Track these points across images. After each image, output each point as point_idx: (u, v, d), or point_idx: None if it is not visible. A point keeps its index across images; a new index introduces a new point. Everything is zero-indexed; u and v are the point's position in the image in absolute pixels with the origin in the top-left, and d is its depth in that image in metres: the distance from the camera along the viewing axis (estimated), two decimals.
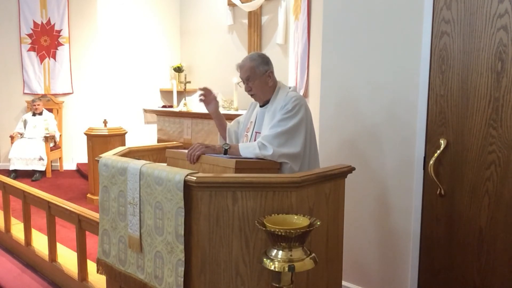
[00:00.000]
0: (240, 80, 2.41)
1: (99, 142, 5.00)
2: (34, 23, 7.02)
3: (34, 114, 6.69)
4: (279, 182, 1.80)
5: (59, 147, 7.01)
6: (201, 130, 5.87)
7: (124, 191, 2.07)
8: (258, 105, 2.51)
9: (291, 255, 1.61)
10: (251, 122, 2.51)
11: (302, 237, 1.61)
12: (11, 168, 6.33)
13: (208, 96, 2.54)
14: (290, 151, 2.18)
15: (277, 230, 1.58)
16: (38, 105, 6.64)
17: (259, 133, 2.39)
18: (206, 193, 1.79)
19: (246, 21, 6.56)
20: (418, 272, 2.56)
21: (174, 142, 3.39)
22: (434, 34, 2.39)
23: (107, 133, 5.05)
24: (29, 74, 7.06)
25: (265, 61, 2.36)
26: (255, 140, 2.39)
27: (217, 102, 2.59)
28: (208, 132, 5.77)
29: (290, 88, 2.43)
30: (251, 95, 2.42)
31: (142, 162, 2.03)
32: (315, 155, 2.41)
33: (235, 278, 1.82)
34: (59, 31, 7.05)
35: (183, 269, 1.81)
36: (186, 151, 2.24)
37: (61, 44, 7.08)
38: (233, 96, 5.98)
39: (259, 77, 2.34)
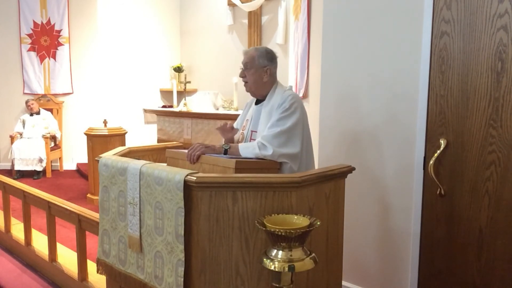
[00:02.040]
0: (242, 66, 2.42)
1: (99, 142, 5.00)
2: (34, 23, 7.02)
3: (31, 114, 6.71)
4: (279, 182, 1.80)
5: (59, 147, 7.01)
6: (201, 130, 5.87)
7: (124, 191, 2.07)
8: (253, 103, 2.52)
9: (291, 255, 1.61)
10: (247, 120, 2.51)
11: (302, 237, 1.61)
12: (16, 168, 6.35)
13: (226, 130, 2.49)
14: (290, 151, 2.18)
15: (277, 230, 1.58)
16: (32, 104, 6.67)
17: (255, 131, 2.39)
18: (206, 193, 1.78)
19: (246, 21, 6.56)
20: (418, 272, 2.56)
21: (174, 142, 3.39)
22: (434, 34, 2.39)
23: (107, 133, 5.05)
24: (29, 74, 7.06)
25: (269, 57, 2.37)
26: (251, 138, 2.39)
27: (234, 132, 2.52)
28: (208, 132, 5.77)
29: (287, 87, 2.43)
30: (244, 83, 2.42)
31: (142, 162, 2.03)
32: (311, 155, 2.41)
33: (235, 278, 1.82)
34: (59, 31, 7.06)
35: (183, 269, 1.81)
36: (186, 151, 2.24)
37: (61, 44, 7.08)
38: (233, 96, 5.99)
39: (256, 68, 2.34)
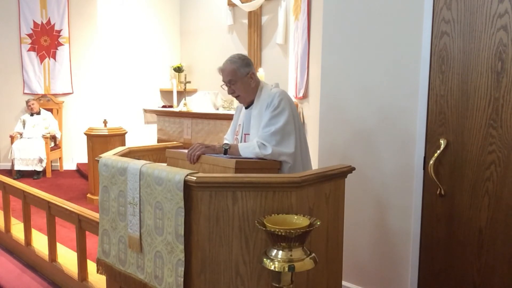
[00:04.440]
0: (223, 83, 2.41)
1: (99, 142, 5.00)
2: (34, 23, 7.02)
3: (32, 114, 6.71)
4: (279, 182, 1.80)
5: (59, 147, 7.01)
6: (201, 130, 5.87)
7: (124, 191, 2.07)
8: (243, 107, 2.52)
9: (291, 255, 1.61)
10: (239, 125, 2.52)
11: (302, 237, 1.61)
12: (16, 168, 6.36)
13: None
14: (288, 150, 2.19)
15: (277, 230, 1.58)
16: (33, 104, 6.68)
17: (248, 134, 2.40)
18: (206, 193, 1.78)
19: (246, 21, 6.56)
20: (418, 272, 2.56)
21: (174, 142, 3.39)
22: (434, 34, 2.39)
23: (107, 133, 5.05)
24: (29, 74, 7.06)
25: (246, 63, 2.36)
26: (245, 142, 2.40)
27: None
28: (208, 132, 5.77)
29: (272, 85, 2.44)
30: (235, 97, 2.43)
31: (142, 162, 2.03)
32: (307, 153, 2.42)
33: (235, 278, 1.82)
34: (59, 31, 7.06)
35: (183, 269, 1.81)
36: (186, 151, 2.24)
37: (61, 44, 7.08)
38: None
39: (240, 79, 2.34)
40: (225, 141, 2.65)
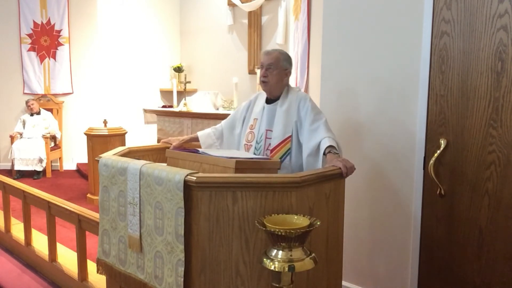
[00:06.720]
0: (261, 65, 2.46)
1: (99, 142, 5.00)
2: (34, 23, 7.02)
3: (31, 114, 6.71)
4: (279, 182, 1.80)
5: (59, 147, 7.01)
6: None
7: (124, 191, 2.07)
8: (259, 102, 2.54)
9: (291, 255, 1.61)
10: (255, 119, 2.50)
11: (302, 237, 1.61)
12: (16, 168, 6.36)
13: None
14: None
15: (277, 230, 1.58)
16: (32, 104, 6.68)
17: (270, 130, 2.40)
18: (206, 193, 1.78)
19: (246, 21, 6.56)
20: (418, 272, 2.56)
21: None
22: (434, 34, 2.39)
23: (107, 133, 5.05)
24: (29, 74, 7.06)
25: (290, 61, 2.48)
26: (266, 137, 2.41)
27: (179, 141, 2.85)
28: None
29: (296, 88, 2.52)
30: (264, 82, 2.45)
31: (142, 162, 2.03)
32: None
33: (235, 278, 1.82)
34: (59, 31, 7.06)
35: (183, 269, 1.81)
36: (186, 152, 2.24)
37: (61, 44, 7.08)
38: (233, 96, 5.98)
39: (279, 69, 2.41)
40: (217, 128, 2.83)
